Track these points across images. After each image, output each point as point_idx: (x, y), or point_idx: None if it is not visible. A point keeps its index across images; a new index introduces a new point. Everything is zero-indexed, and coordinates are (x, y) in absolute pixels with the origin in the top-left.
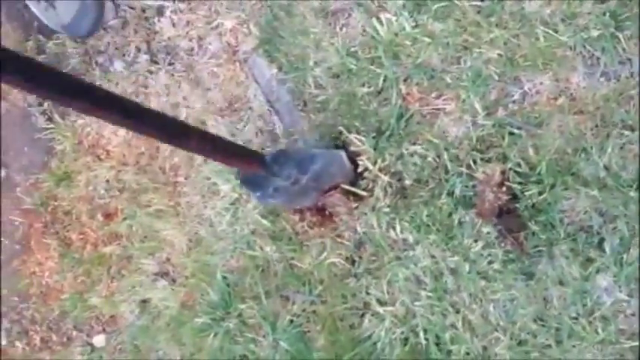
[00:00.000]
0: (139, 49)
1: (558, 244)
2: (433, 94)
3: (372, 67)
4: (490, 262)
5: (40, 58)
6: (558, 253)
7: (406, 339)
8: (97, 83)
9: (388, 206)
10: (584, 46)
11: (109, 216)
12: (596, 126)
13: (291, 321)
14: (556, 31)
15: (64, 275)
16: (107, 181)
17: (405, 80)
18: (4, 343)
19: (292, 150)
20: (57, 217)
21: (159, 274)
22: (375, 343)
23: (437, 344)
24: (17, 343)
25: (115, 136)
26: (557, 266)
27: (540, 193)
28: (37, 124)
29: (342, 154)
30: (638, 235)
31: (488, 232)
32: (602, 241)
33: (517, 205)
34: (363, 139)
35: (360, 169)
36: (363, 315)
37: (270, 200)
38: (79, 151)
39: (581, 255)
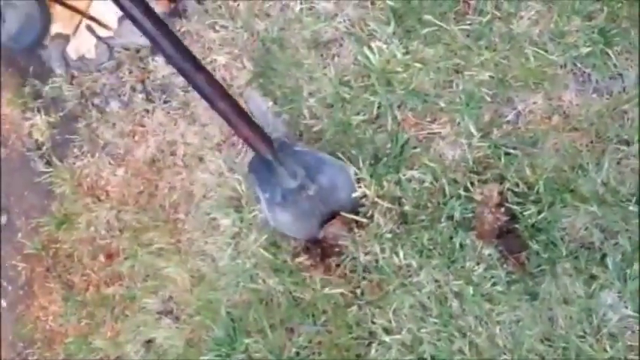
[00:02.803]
0: (134, 89)
1: (560, 262)
2: (428, 119)
3: (366, 95)
4: (494, 284)
5: (38, 103)
6: (561, 271)
7: None
8: (94, 125)
9: (390, 232)
10: (575, 64)
11: (110, 256)
12: (592, 142)
13: (298, 353)
14: (545, 51)
15: (68, 319)
16: (107, 221)
17: (399, 106)
18: None
19: (298, 145)
20: (59, 261)
21: (163, 312)
22: None
23: None
24: None
25: (114, 176)
26: (560, 285)
27: (539, 212)
28: (36, 168)
29: (351, 169)
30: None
31: (489, 254)
32: (604, 257)
33: (517, 226)
34: (360, 166)
35: (358, 196)
36: (369, 344)
37: (277, 210)
38: (78, 192)
39: (584, 272)
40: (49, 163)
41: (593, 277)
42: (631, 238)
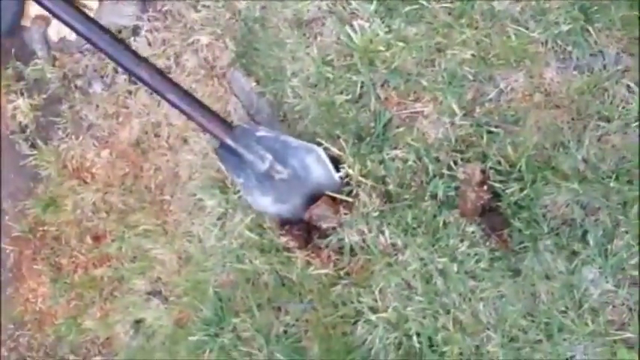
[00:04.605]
0: (116, 70)
1: (542, 239)
2: (411, 98)
3: (349, 74)
4: (477, 261)
5: (20, 85)
6: (543, 248)
7: (400, 343)
8: (78, 107)
9: (375, 211)
10: (556, 42)
11: (97, 238)
12: (572, 119)
13: (285, 332)
14: (527, 28)
15: (57, 300)
16: (94, 203)
17: (382, 85)
18: None
19: (261, 130)
20: (46, 243)
21: (151, 293)
22: (369, 350)
23: (430, 346)
24: None
25: (99, 157)
26: (542, 261)
27: (521, 190)
28: (21, 150)
29: (319, 149)
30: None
31: (473, 232)
32: (585, 233)
33: (499, 203)
34: (343, 145)
35: (342, 175)
36: (355, 322)
37: (255, 194)
38: (64, 175)
39: (565, 249)
40: (33, 146)
41: (574, 253)
42: (611, 215)
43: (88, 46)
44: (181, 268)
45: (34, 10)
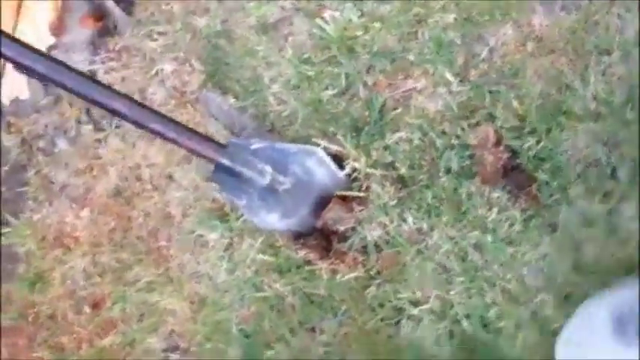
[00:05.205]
0: (79, 121)
1: (572, 186)
2: (400, 77)
3: (330, 67)
4: (510, 226)
5: None
6: (574, 195)
7: (451, 332)
8: (45, 170)
9: (392, 199)
10: None
11: (96, 305)
12: (571, 60)
13: (325, 352)
14: None
15: None
16: (84, 269)
17: (367, 71)
18: None
19: (254, 142)
20: (41, 325)
21: (168, 349)
22: (419, 347)
23: (484, 326)
24: None
25: (79, 219)
26: (577, 209)
27: (538, 142)
28: None
29: (318, 149)
30: None
31: (498, 197)
32: (614, 170)
33: (519, 161)
34: (342, 141)
35: (348, 172)
36: (398, 322)
37: (261, 213)
38: (44, 247)
39: (597, 191)
40: (4, 224)
41: (607, 194)
42: (634, 145)
43: (43, 102)
44: (196, 313)
45: None
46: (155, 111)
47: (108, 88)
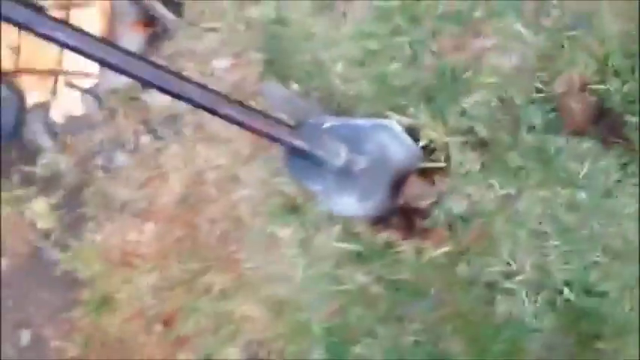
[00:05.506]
0: (137, 133)
1: None
2: (468, 37)
3: (395, 38)
4: (607, 176)
5: (31, 190)
6: None
7: (551, 303)
8: (104, 188)
9: (476, 164)
10: None
11: (168, 322)
12: None
13: (417, 341)
14: None
15: None
16: (152, 286)
17: (433, 36)
18: None
19: (327, 120)
20: (110, 349)
21: (250, 359)
22: (519, 323)
23: (587, 292)
24: None
25: (142, 234)
26: None
27: (624, 83)
28: (50, 258)
29: (392, 122)
30: None
31: (589, 147)
32: None
33: (607, 106)
34: (413, 112)
35: (424, 143)
36: (493, 298)
37: (336, 198)
38: (109, 268)
39: None
40: (65, 249)
41: None
42: None
43: (98, 117)
44: (275, 317)
45: (28, 99)
46: (225, 95)
47: (180, 76)
